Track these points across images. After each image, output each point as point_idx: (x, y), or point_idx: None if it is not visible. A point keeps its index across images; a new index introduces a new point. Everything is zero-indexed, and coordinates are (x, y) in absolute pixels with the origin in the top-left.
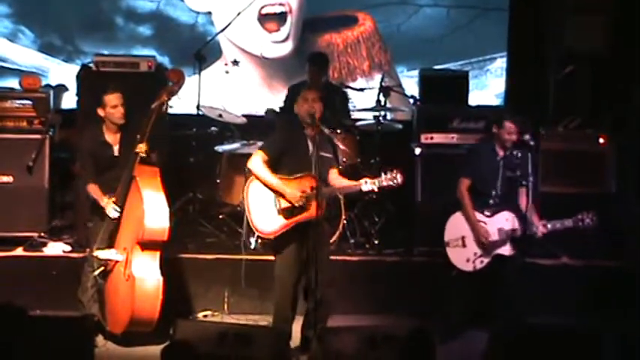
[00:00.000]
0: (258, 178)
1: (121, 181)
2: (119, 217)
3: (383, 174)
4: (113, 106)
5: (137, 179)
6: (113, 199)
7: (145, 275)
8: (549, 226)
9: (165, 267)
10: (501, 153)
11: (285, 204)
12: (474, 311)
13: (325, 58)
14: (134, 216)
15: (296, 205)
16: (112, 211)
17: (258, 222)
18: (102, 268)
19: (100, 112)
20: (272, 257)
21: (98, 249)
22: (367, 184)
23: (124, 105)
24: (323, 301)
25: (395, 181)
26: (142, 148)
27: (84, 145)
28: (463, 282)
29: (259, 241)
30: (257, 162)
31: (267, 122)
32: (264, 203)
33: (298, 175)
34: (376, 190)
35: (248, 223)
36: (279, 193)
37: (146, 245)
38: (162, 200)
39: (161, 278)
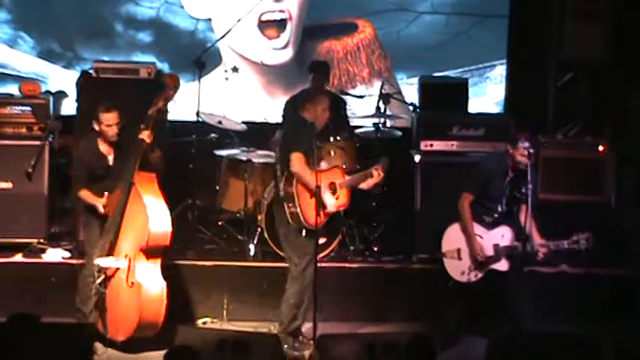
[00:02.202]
0: (301, 179)
1: (121, 185)
2: (118, 224)
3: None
4: (108, 125)
5: (136, 185)
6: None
7: (150, 281)
8: (551, 246)
9: (165, 273)
10: (511, 174)
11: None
12: (470, 319)
13: (328, 66)
14: (136, 222)
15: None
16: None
17: (308, 215)
18: (102, 277)
19: (95, 125)
20: (271, 264)
21: (99, 257)
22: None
23: (120, 123)
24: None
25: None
26: (146, 134)
27: (79, 154)
28: (460, 292)
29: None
30: (298, 164)
31: None
32: (309, 197)
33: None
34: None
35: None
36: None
37: (149, 251)
38: (164, 205)
39: (164, 283)
